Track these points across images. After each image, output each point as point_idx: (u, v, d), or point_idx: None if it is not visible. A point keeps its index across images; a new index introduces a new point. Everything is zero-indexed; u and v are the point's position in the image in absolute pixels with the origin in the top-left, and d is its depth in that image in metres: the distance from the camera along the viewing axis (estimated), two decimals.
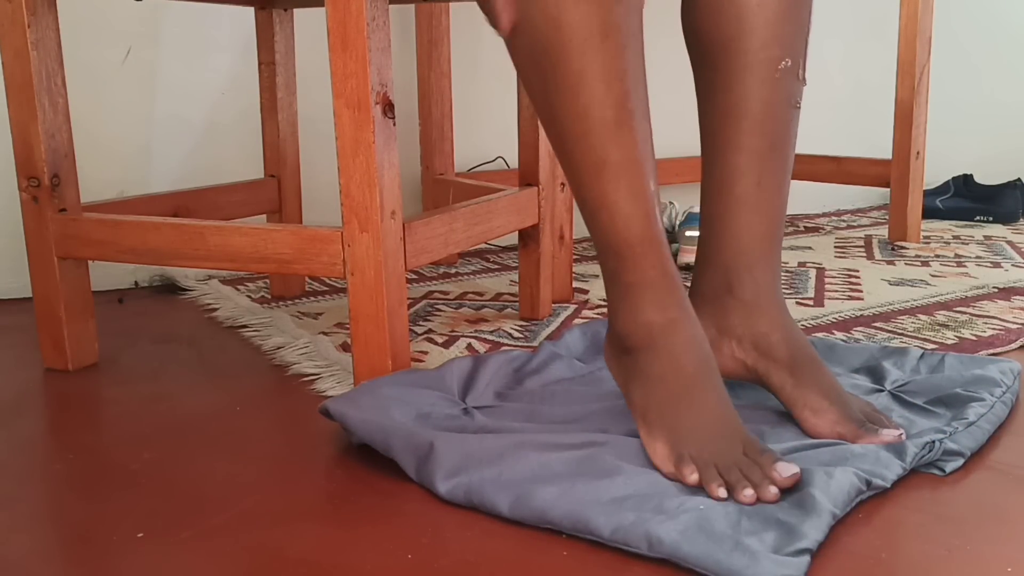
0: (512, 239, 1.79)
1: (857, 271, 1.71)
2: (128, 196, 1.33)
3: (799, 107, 0.92)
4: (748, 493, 0.74)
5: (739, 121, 0.90)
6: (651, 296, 0.84)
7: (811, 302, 1.47)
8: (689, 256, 1.73)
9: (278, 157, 1.50)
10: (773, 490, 0.75)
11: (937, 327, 1.31)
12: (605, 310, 0.88)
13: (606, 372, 1.05)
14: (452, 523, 0.77)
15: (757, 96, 0.89)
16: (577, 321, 1.37)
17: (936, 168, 2.35)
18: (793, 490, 0.76)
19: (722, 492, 0.75)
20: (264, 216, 1.52)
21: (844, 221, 2.31)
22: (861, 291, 1.54)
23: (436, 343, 1.27)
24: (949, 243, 1.98)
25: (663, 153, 2.16)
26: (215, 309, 1.48)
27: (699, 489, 0.77)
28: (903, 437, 0.85)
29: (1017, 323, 1.32)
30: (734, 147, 0.91)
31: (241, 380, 1.15)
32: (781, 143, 0.91)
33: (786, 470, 0.76)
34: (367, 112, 0.98)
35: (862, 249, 1.93)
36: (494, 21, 0.82)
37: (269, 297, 1.54)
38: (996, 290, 1.54)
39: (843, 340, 1.22)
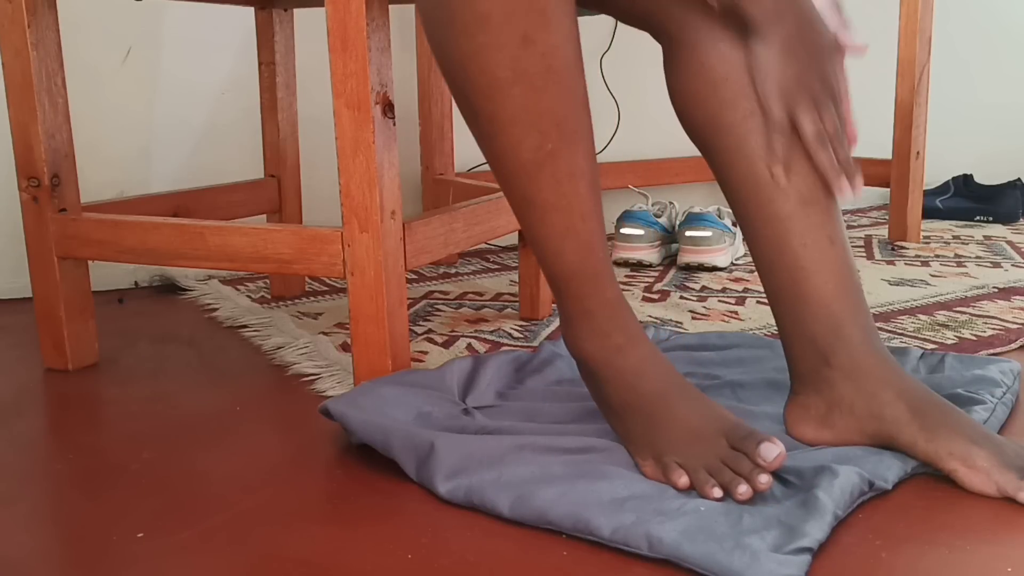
0: (512, 239, 1.79)
1: (857, 271, 1.71)
2: (128, 196, 1.33)
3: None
4: (743, 490, 0.74)
5: (756, 193, 0.87)
6: (591, 325, 0.84)
7: None
8: (689, 256, 1.73)
9: (278, 157, 1.50)
10: (764, 478, 0.75)
11: (937, 327, 1.31)
12: None
13: None
14: (452, 523, 0.77)
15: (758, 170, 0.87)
16: None
17: (936, 168, 2.35)
18: (797, 491, 0.76)
19: (717, 492, 0.75)
20: (264, 216, 1.52)
21: (844, 221, 2.31)
22: None
23: (436, 343, 1.27)
24: (949, 243, 1.98)
25: (663, 153, 2.16)
26: (215, 309, 1.48)
27: (695, 492, 0.77)
28: None
29: (1017, 323, 1.32)
30: (766, 218, 0.88)
31: (241, 380, 1.15)
32: (812, 194, 0.87)
33: (770, 452, 0.76)
34: (367, 112, 0.98)
35: (862, 249, 1.93)
36: None
37: (269, 297, 1.54)
38: (996, 290, 1.54)
39: None
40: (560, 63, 0.77)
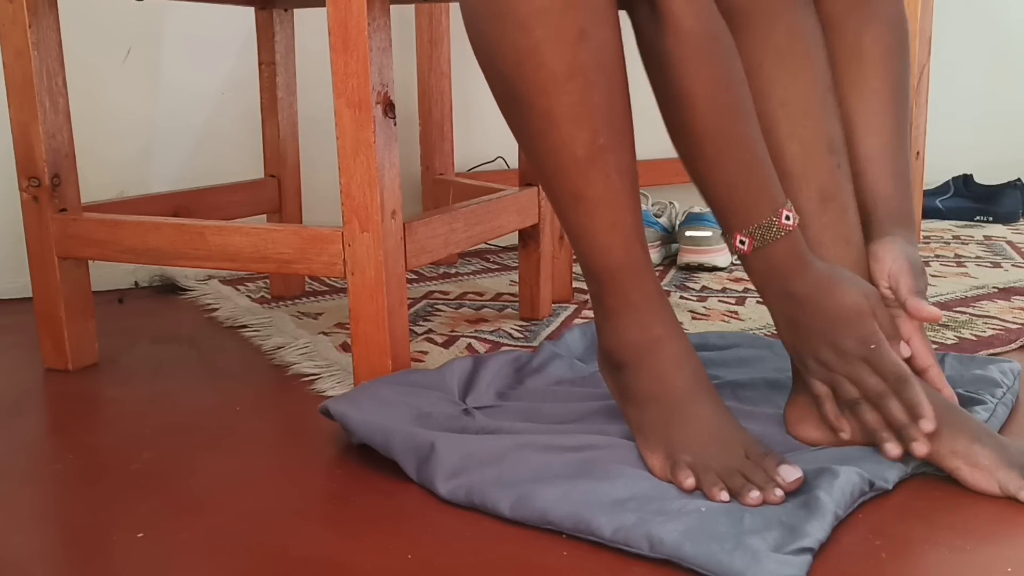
0: (512, 239, 1.79)
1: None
2: (128, 196, 1.33)
3: None
4: (754, 495, 0.74)
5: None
6: (633, 318, 0.84)
7: None
8: (689, 256, 1.73)
9: (278, 157, 1.50)
10: (778, 492, 0.75)
11: (937, 327, 1.30)
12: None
13: None
14: (452, 523, 0.77)
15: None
16: (577, 321, 1.37)
17: (936, 168, 2.35)
18: (798, 492, 0.76)
19: (724, 496, 0.75)
20: (264, 216, 1.52)
21: None
22: None
23: (436, 343, 1.27)
24: (949, 243, 1.98)
25: (663, 153, 2.16)
26: (215, 309, 1.48)
27: (698, 493, 0.77)
28: None
29: (1017, 323, 1.32)
30: None
31: (241, 380, 1.15)
32: (829, 192, 0.88)
33: (790, 474, 0.76)
34: (368, 112, 0.98)
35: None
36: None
37: (269, 297, 1.54)
38: (996, 290, 1.54)
39: None
40: (611, 59, 0.79)
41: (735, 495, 0.75)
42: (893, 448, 0.79)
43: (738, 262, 1.79)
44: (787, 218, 0.82)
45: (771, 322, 1.33)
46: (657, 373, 0.84)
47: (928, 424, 0.79)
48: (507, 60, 0.78)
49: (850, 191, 0.88)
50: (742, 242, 0.83)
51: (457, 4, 1.74)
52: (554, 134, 0.79)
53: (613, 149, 0.80)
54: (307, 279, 1.62)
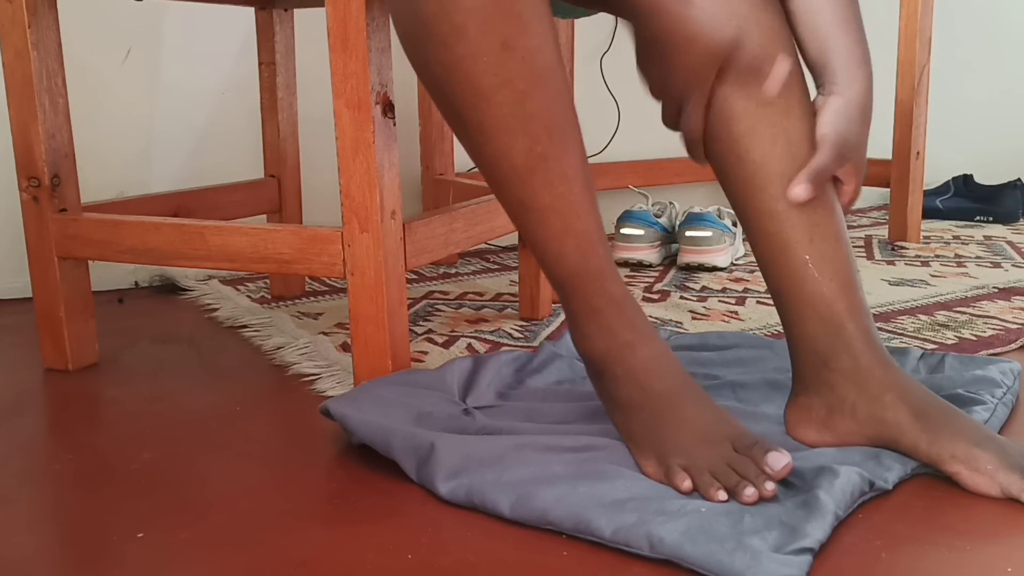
0: (512, 239, 1.79)
1: (858, 271, 1.71)
2: (128, 196, 1.33)
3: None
4: (750, 492, 0.74)
5: (760, 191, 0.87)
6: (598, 323, 0.84)
7: None
8: (689, 256, 1.73)
9: (278, 157, 1.50)
10: (770, 485, 0.75)
11: (937, 327, 1.31)
12: None
13: None
14: (452, 523, 0.77)
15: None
16: None
17: (936, 168, 2.35)
18: (799, 491, 0.76)
19: (721, 495, 0.75)
20: (264, 216, 1.52)
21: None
22: None
23: (436, 343, 1.27)
24: (949, 243, 1.98)
25: (663, 153, 2.16)
26: (215, 309, 1.48)
27: (697, 494, 0.77)
28: None
29: (1017, 323, 1.32)
30: (769, 214, 0.87)
31: (241, 380, 1.15)
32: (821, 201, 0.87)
33: (778, 462, 0.76)
34: (367, 112, 0.98)
35: (862, 249, 1.93)
36: None
37: (269, 297, 1.54)
38: (996, 290, 1.54)
39: None
40: (542, 66, 0.77)
41: (731, 493, 0.75)
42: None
43: (738, 262, 1.79)
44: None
45: (771, 322, 1.34)
46: (634, 379, 0.83)
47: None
48: (435, 76, 0.78)
49: (834, 190, 0.88)
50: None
51: None
52: (491, 145, 0.79)
53: (554, 156, 0.79)
54: (307, 279, 1.62)
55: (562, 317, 1.39)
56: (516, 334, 1.31)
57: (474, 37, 0.75)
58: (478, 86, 0.76)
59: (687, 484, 0.77)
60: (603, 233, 0.83)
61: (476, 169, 1.94)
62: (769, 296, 1.50)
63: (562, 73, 0.79)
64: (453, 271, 1.74)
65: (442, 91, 0.79)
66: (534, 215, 0.81)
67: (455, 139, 1.81)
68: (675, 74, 0.81)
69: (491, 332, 1.32)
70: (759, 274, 1.67)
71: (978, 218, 2.25)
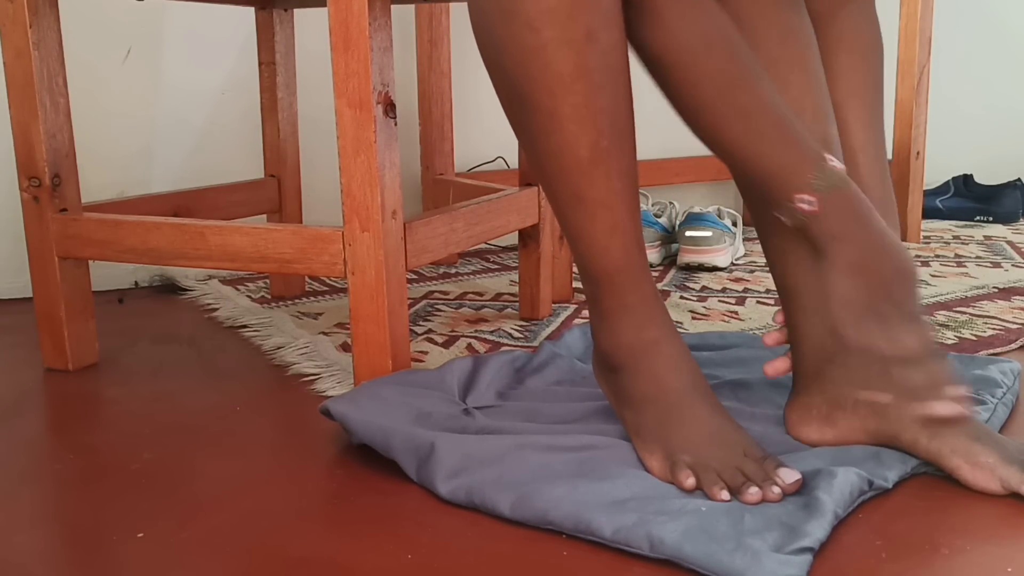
0: (512, 239, 1.79)
1: None
2: (128, 196, 1.33)
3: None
4: (753, 491, 0.74)
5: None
6: (629, 320, 0.84)
7: None
8: (689, 256, 1.73)
9: (278, 157, 1.50)
10: (776, 490, 0.75)
11: (937, 327, 1.31)
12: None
13: None
14: (452, 523, 0.77)
15: None
16: (577, 321, 1.37)
17: (936, 168, 2.35)
18: (798, 492, 0.76)
19: (724, 494, 0.75)
20: (264, 216, 1.52)
21: None
22: None
23: (436, 343, 1.27)
24: (949, 243, 1.98)
25: (663, 153, 2.16)
26: (215, 309, 1.48)
27: (699, 492, 0.77)
28: None
29: (1017, 323, 1.32)
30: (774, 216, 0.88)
31: (241, 380, 1.15)
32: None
33: (789, 476, 0.76)
34: (369, 112, 0.98)
35: None
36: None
37: (269, 297, 1.54)
38: (996, 290, 1.54)
39: None
40: (618, 61, 0.79)
41: (735, 493, 0.75)
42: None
43: (738, 262, 1.79)
44: (834, 161, 0.82)
45: (771, 322, 1.34)
46: (653, 375, 0.84)
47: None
48: (514, 60, 0.78)
49: None
50: (808, 202, 0.81)
51: (457, 4, 1.74)
52: (559, 135, 0.79)
53: (616, 152, 0.80)
54: (307, 279, 1.62)
55: (562, 317, 1.39)
56: (516, 334, 1.31)
57: (563, 23, 0.75)
58: (558, 73, 0.77)
59: (691, 481, 0.77)
60: (642, 232, 0.85)
61: (476, 169, 1.95)
62: (769, 296, 1.51)
63: (629, 70, 0.81)
64: (453, 271, 1.74)
65: (515, 75, 0.79)
66: (587, 209, 0.81)
67: (455, 139, 1.81)
68: None
69: (491, 332, 1.32)
70: (759, 274, 1.68)
71: (978, 218, 2.25)
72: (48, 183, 1.13)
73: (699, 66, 0.80)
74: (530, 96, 0.78)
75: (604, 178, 0.80)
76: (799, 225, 0.83)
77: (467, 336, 1.30)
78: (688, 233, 1.73)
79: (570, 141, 0.79)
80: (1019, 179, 2.30)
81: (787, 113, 0.82)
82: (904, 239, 1.98)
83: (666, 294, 1.55)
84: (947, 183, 2.35)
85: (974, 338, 1.25)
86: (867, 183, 0.92)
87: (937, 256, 1.84)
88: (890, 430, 0.83)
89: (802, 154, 0.81)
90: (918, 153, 1.96)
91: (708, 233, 1.72)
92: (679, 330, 1.29)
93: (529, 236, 1.37)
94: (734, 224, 1.80)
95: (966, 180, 2.32)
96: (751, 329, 1.31)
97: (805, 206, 0.81)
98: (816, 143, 0.82)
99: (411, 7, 1.81)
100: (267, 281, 1.64)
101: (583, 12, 0.75)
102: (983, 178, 2.38)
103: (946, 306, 1.43)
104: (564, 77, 0.77)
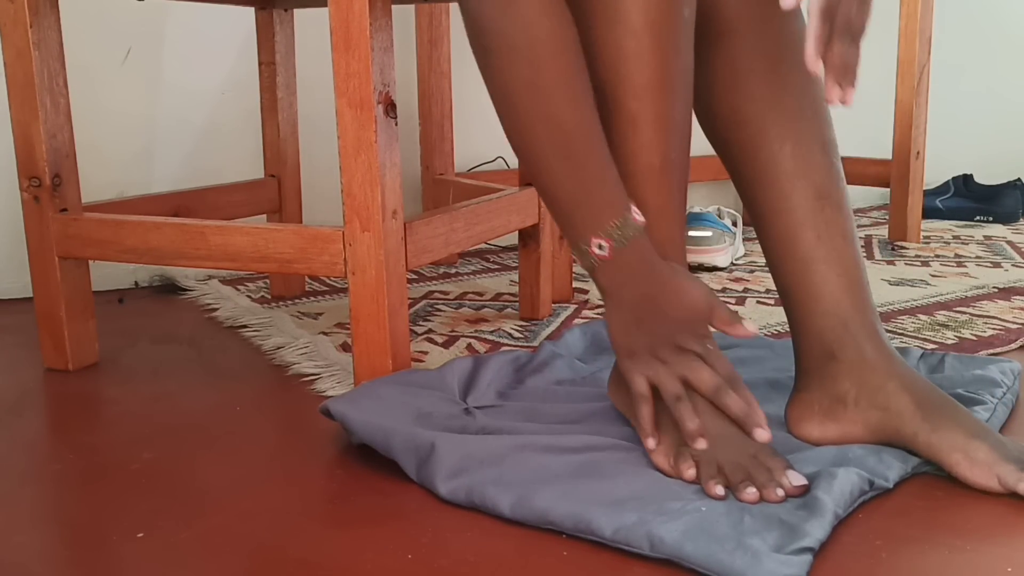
0: (512, 239, 1.79)
1: (865, 268, 1.71)
2: (129, 196, 1.33)
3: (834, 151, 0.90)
4: (751, 491, 0.75)
5: (772, 185, 0.89)
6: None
7: None
8: (689, 256, 1.72)
9: (278, 157, 1.50)
10: (779, 492, 0.75)
11: (937, 327, 1.31)
12: (603, 311, 0.87)
13: (607, 372, 1.05)
14: (452, 523, 0.77)
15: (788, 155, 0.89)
16: (577, 321, 1.37)
17: (936, 168, 2.35)
18: (798, 495, 0.76)
19: (719, 490, 0.75)
20: (264, 216, 1.52)
21: None
22: None
23: (436, 343, 1.27)
24: (949, 243, 1.98)
25: None
26: (215, 309, 1.48)
27: (701, 489, 0.77)
28: None
29: (1017, 323, 1.32)
30: (780, 210, 0.89)
31: (241, 380, 1.15)
32: (827, 189, 0.88)
33: (796, 479, 0.76)
34: (369, 112, 0.98)
35: (862, 249, 1.92)
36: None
37: (269, 297, 1.54)
38: (996, 290, 1.54)
39: None
40: (691, 77, 0.85)
41: (731, 489, 0.75)
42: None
43: (738, 262, 1.79)
44: (637, 214, 0.83)
45: (771, 322, 1.34)
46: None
47: (763, 434, 0.79)
48: (606, 63, 0.81)
49: (844, 190, 0.89)
50: (600, 247, 0.82)
51: (456, 5, 1.74)
52: (634, 139, 0.82)
53: (681, 164, 0.84)
54: (307, 279, 1.62)
55: (562, 317, 1.39)
56: (516, 334, 1.31)
57: (660, 32, 0.80)
58: (650, 77, 0.80)
59: (691, 472, 0.78)
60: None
61: (476, 169, 1.95)
62: (769, 296, 1.51)
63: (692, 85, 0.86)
64: (453, 271, 1.74)
65: (605, 79, 0.81)
66: (651, 217, 0.84)
67: (455, 139, 1.81)
68: None
69: (491, 332, 1.32)
70: (759, 274, 1.68)
71: (978, 218, 2.25)
72: (48, 183, 1.13)
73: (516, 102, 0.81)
74: (614, 98, 0.81)
75: (666, 187, 0.84)
76: (588, 267, 0.84)
77: (467, 336, 1.30)
78: (688, 233, 1.73)
79: (646, 146, 0.82)
80: (1019, 179, 2.30)
81: (610, 161, 0.83)
82: (904, 239, 1.98)
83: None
84: (947, 183, 2.35)
85: (974, 338, 1.25)
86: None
87: (937, 256, 1.84)
88: (891, 424, 0.83)
89: (611, 199, 0.82)
90: (918, 153, 1.96)
91: (708, 233, 1.72)
92: None
93: (529, 236, 1.37)
94: (734, 224, 1.80)
95: (966, 180, 2.32)
96: None
97: (598, 251, 0.82)
98: (625, 194, 0.83)
99: (411, 7, 1.81)
100: (267, 281, 1.64)
101: (676, 25, 0.81)
102: (983, 178, 2.38)
103: (946, 306, 1.43)
104: (654, 83, 0.81)
